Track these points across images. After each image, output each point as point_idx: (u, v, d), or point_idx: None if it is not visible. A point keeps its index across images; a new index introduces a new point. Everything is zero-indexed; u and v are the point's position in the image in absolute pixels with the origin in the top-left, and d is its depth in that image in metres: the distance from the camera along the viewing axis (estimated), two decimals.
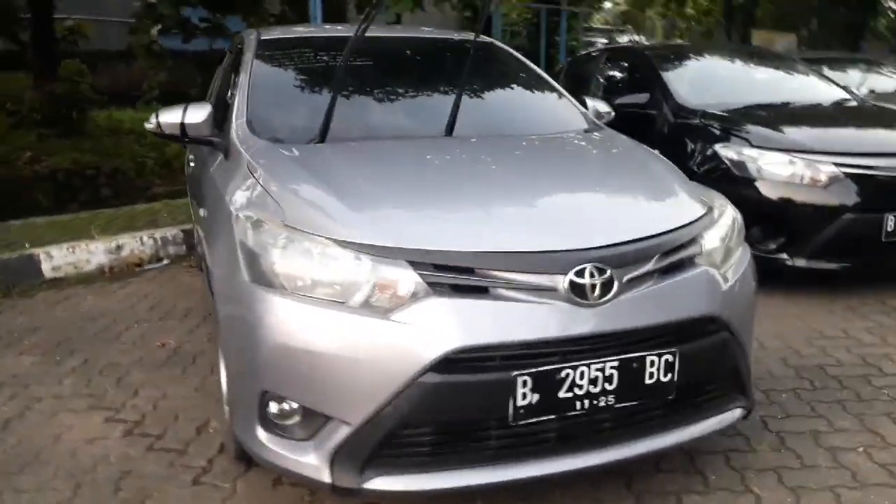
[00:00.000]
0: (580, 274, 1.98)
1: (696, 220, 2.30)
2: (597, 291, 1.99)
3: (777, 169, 4.26)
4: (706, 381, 2.24)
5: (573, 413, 1.99)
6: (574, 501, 2.35)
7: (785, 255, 4.24)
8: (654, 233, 2.15)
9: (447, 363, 1.89)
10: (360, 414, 1.92)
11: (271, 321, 2.01)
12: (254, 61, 3.23)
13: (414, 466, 1.98)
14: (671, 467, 2.52)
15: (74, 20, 13.59)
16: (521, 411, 1.94)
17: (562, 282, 1.97)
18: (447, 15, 19.29)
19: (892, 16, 22.81)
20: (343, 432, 1.95)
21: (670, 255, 2.15)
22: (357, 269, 1.98)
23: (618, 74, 6.10)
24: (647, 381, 2.05)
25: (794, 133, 4.49)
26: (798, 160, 4.23)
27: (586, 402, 2.00)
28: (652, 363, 2.04)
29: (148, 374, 3.36)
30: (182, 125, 2.91)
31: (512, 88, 3.55)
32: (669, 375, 2.07)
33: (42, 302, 4.41)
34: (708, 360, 2.18)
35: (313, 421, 2.01)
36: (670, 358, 2.05)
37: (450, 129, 2.84)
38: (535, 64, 3.84)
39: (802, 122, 4.77)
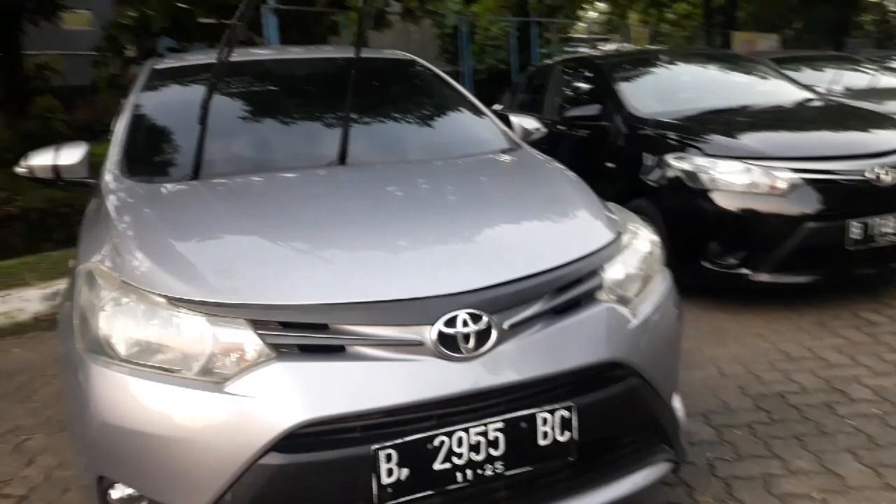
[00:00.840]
0: (450, 323, 1.70)
1: (598, 251, 2.01)
2: (471, 342, 1.70)
3: (732, 178, 3.97)
4: (617, 434, 1.95)
5: (455, 486, 1.70)
6: None
7: (746, 270, 3.94)
8: (540, 269, 1.86)
9: (292, 440, 1.60)
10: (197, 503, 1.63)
11: (96, 396, 1.73)
12: (139, 94, 2.97)
13: None
14: None
15: (46, 56, 13.49)
16: (389, 490, 1.65)
17: (429, 333, 1.69)
18: (429, 33, 19.21)
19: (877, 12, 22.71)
20: None
21: (562, 293, 1.87)
22: (192, 332, 1.70)
23: (572, 85, 5.84)
24: (541, 442, 1.76)
25: (749, 139, 4.21)
26: (755, 167, 3.95)
27: (469, 472, 1.71)
28: (544, 421, 1.75)
29: (50, 437, 3.08)
30: (55, 167, 2.66)
31: (426, 109, 3.28)
32: (567, 433, 1.78)
33: None
34: (615, 411, 1.89)
35: None
36: (566, 413, 1.77)
37: (342, 158, 2.57)
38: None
39: (760, 126, 4.50)
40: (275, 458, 1.59)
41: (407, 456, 1.64)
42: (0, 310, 4.67)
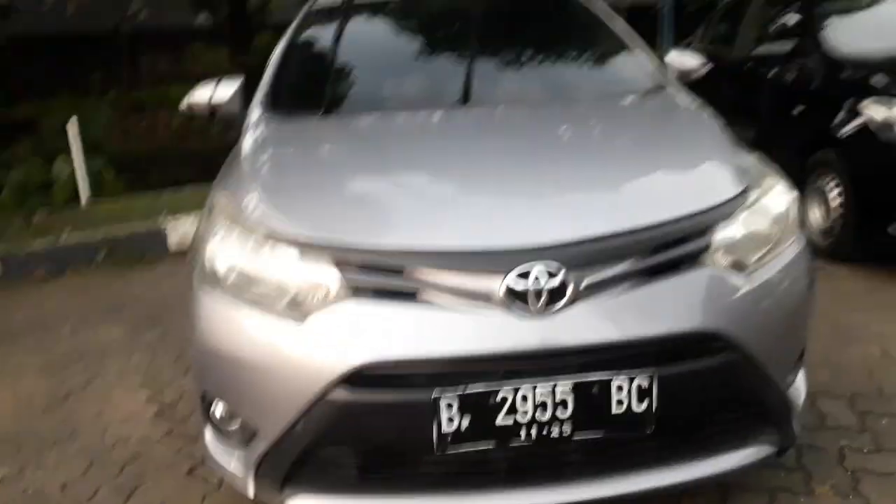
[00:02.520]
0: (523, 277, 1.65)
1: (709, 209, 1.82)
2: (543, 298, 1.64)
3: None
4: (708, 410, 1.81)
5: (518, 442, 1.68)
6: None
7: None
8: (633, 227, 1.74)
9: (359, 379, 1.66)
10: (275, 428, 1.76)
11: (200, 319, 1.90)
12: (293, 32, 3.11)
13: (338, 488, 1.79)
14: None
15: None
16: (449, 438, 1.66)
17: (498, 286, 1.65)
18: None
19: None
20: (263, 444, 1.80)
21: (658, 252, 1.74)
22: (284, 267, 1.80)
23: (769, 17, 5.23)
24: (615, 410, 1.68)
25: None
26: None
27: (533, 430, 1.68)
28: (619, 388, 1.67)
29: None
30: (210, 103, 2.86)
31: (568, 46, 3.09)
32: (645, 403, 1.68)
33: (157, 274, 4.70)
34: (707, 386, 1.74)
35: (247, 429, 1.88)
36: (644, 383, 1.66)
37: (465, 97, 2.53)
38: None
39: None
40: (342, 394, 1.66)
41: (468, 406, 1.64)
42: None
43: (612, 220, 1.75)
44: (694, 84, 5.49)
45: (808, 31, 4.43)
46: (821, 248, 4.05)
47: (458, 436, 1.66)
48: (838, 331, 3.19)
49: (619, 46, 3.04)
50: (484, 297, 1.66)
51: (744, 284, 1.78)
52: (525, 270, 1.65)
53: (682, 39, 7.63)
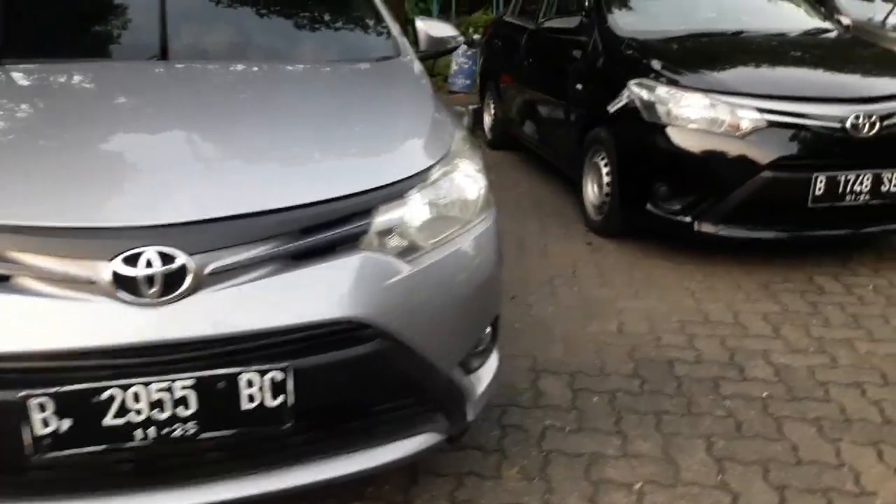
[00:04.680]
0: (131, 262, 1.45)
1: (371, 190, 1.69)
2: (157, 286, 1.45)
3: (690, 112, 3.52)
4: (362, 401, 1.71)
5: (134, 444, 1.50)
6: None
7: (690, 219, 3.54)
8: (268, 208, 1.58)
9: None
10: None
11: None
12: None
13: None
14: (372, 493, 2.02)
15: None
16: (45, 441, 1.46)
17: (104, 271, 1.45)
18: None
19: None
20: None
21: (303, 236, 1.59)
22: None
23: None
24: (245, 406, 1.53)
25: (720, 69, 3.72)
26: (719, 103, 3.48)
27: (151, 430, 1.50)
28: (249, 383, 1.52)
29: None
30: None
31: (309, 8, 2.90)
32: (280, 398, 1.54)
33: None
34: (355, 376, 1.63)
35: None
36: (278, 376, 1.53)
37: (163, 50, 2.28)
38: None
39: (739, 56, 3.95)
40: None
41: (67, 407, 1.44)
42: None
43: (246, 201, 1.57)
44: (498, 53, 5.38)
45: (593, 8, 4.46)
46: (594, 223, 4.14)
47: (59, 439, 1.46)
48: (587, 306, 3.24)
49: (359, 12, 2.86)
50: (87, 284, 1.45)
51: (404, 269, 1.67)
52: (135, 254, 1.45)
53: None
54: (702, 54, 3.93)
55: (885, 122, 3.44)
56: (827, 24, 4.58)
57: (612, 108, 3.90)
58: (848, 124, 3.38)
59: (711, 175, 3.47)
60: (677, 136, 3.53)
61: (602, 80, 4.09)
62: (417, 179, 1.78)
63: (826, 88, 3.57)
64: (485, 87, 6.63)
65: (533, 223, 4.36)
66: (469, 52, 8.11)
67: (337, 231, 1.62)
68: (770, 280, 3.51)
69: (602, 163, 4.02)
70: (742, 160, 3.40)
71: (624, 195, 3.82)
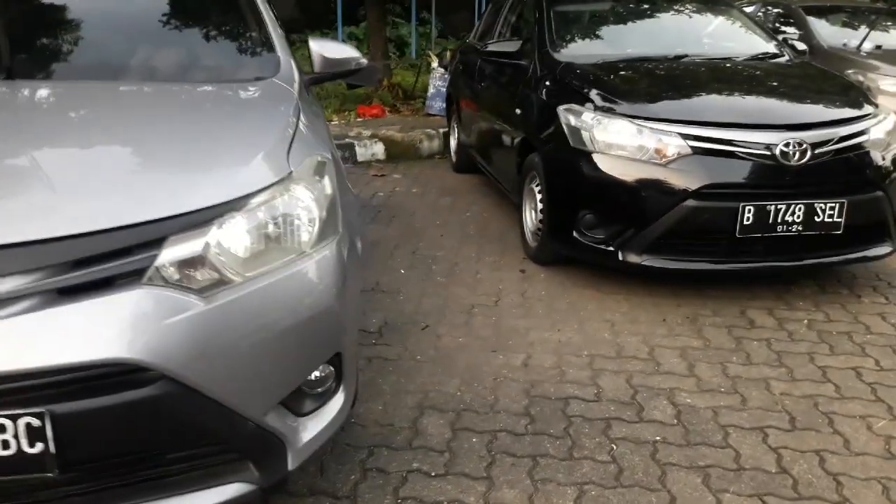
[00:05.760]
0: None
1: (162, 220, 1.55)
2: None
3: (614, 138, 3.39)
4: (143, 448, 1.56)
5: None
6: None
7: (614, 248, 3.39)
8: (33, 238, 1.45)
9: None
10: None
11: None
12: None
13: None
14: None
15: None
16: None
17: None
18: None
19: None
20: None
21: (76, 269, 1.46)
22: None
23: (513, 18, 5.17)
24: (2, 453, 1.40)
25: (644, 95, 3.59)
26: (646, 129, 3.34)
27: None
28: (2, 428, 1.39)
29: None
30: None
31: (201, 27, 2.78)
32: (40, 445, 1.41)
33: None
34: (132, 422, 1.49)
35: None
36: (34, 421, 1.39)
37: (8, 71, 2.18)
38: None
39: (674, 82, 3.80)
40: None
41: None
42: None
43: (7, 231, 1.45)
44: (459, 76, 5.20)
45: (534, 31, 4.35)
46: (531, 250, 4.00)
47: None
48: (499, 337, 3.09)
49: (241, 26, 2.75)
50: None
51: (196, 306, 1.54)
52: None
53: None
54: (633, 80, 3.81)
55: (818, 150, 3.29)
56: (778, 50, 4.45)
57: (542, 134, 3.78)
58: (777, 151, 3.24)
59: (635, 203, 3.33)
60: (602, 163, 3.39)
61: (538, 104, 3.96)
62: (225, 207, 1.65)
63: (755, 114, 3.42)
64: (450, 111, 6.54)
65: (471, 249, 4.22)
66: (446, 75, 8.05)
67: (114, 264, 1.49)
68: (698, 313, 3.35)
69: (536, 189, 3.89)
70: (666, 188, 3.25)
71: (552, 222, 3.68)
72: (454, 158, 6.37)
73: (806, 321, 3.29)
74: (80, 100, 2.16)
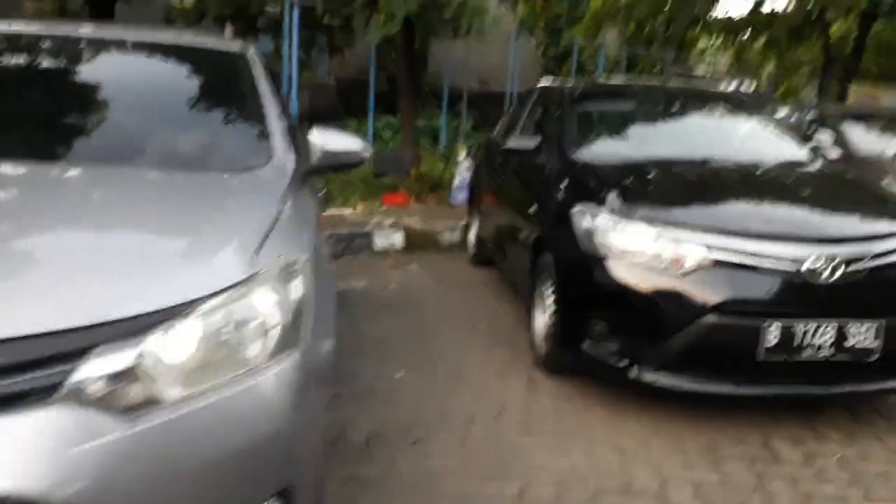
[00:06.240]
0: None
1: (77, 329, 1.38)
2: None
3: (629, 243, 3.18)
4: None
5: None
6: None
7: (626, 363, 3.13)
8: None
9: None
10: None
11: None
12: None
13: None
14: None
15: None
16: None
17: None
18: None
19: None
20: None
21: None
22: None
23: (538, 111, 5.08)
24: None
25: (664, 199, 3.41)
26: (662, 236, 3.14)
27: None
28: None
29: None
30: None
31: (210, 114, 2.71)
32: None
33: None
34: None
35: None
36: None
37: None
38: None
39: (698, 187, 3.63)
40: None
41: None
42: None
43: None
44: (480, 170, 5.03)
45: (554, 129, 4.24)
46: (541, 357, 3.75)
47: None
48: (497, 458, 2.83)
49: (260, 121, 2.65)
50: None
51: (115, 430, 1.34)
52: None
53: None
54: (653, 183, 3.64)
55: (851, 267, 3.04)
56: (809, 156, 4.26)
57: (556, 234, 3.60)
58: (806, 267, 2.99)
59: (650, 315, 3.09)
60: (616, 269, 3.18)
61: (553, 203, 3.80)
62: (167, 314, 1.48)
63: (783, 225, 3.20)
64: (472, 203, 6.43)
65: (480, 352, 3.98)
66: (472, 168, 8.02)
67: (23, 378, 1.31)
68: (718, 440, 3.04)
69: (548, 292, 3.67)
70: (684, 301, 3.02)
71: (562, 330, 3.45)
72: (472, 251, 6.21)
73: (837, 457, 2.97)
74: (38, 185, 2.04)
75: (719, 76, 25.22)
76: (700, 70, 20.22)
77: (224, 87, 2.82)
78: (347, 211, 7.52)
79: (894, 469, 2.89)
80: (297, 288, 1.77)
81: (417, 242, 6.64)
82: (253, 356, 1.58)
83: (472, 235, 6.30)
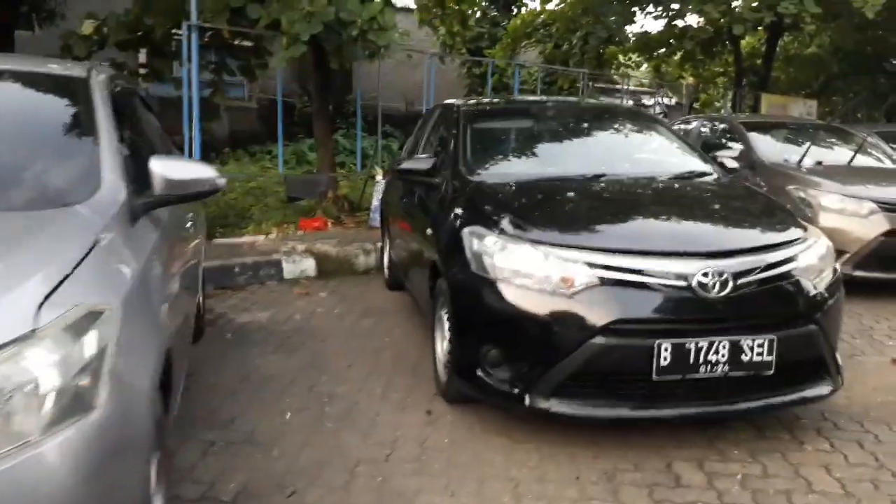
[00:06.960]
0: None
1: None
2: None
3: (516, 265, 3.04)
4: None
5: None
6: None
7: (519, 391, 2.97)
8: None
9: None
10: None
11: None
12: None
13: None
14: None
15: None
16: None
17: None
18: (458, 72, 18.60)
19: None
20: None
21: None
22: None
23: (437, 131, 4.95)
24: None
25: (551, 218, 3.28)
26: (549, 256, 3.00)
27: None
28: None
29: None
30: None
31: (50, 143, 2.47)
32: None
33: None
34: None
35: None
36: None
37: None
38: None
39: (581, 204, 3.53)
40: None
41: None
42: None
43: None
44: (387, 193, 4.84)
45: (445, 150, 4.10)
46: (442, 385, 3.57)
47: None
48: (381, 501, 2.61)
49: (77, 152, 2.41)
50: None
51: None
52: None
53: None
54: (543, 202, 3.51)
55: (742, 280, 2.95)
56: (706, 168, 4.22)
57: (448, 257, 3.44)
58: (694, 282, 2.90)
59: (540, 339, 2.94)
60: (505, 292, 3.03)
61: (446, 226, 3.64)
62: None
63: (670, 240, 3.11)
64: (383, 225, 6.26)
65: (378, 384, 3.77)
66: None
67: None
68: (617, 467, 2.91)
69: (445, 317, 3.50)
70: (573, 323, 2.88)
71: (456, 357, 3.28)
72: (386, 274, 6.03)
73: (740, 476, 2.86)
74: None
75: (643, 89, 25.80)
76: (624, 84, 20.64)
77: (50, 116, 2.56)
78: (260, 238, 7.24)
79: (795, 486, 2.80)
80: (96, 341, 1.54)
81: (331, 268, 6.41)
82: (27, 428, 1.34)
83: (386, 258, 6.12)
